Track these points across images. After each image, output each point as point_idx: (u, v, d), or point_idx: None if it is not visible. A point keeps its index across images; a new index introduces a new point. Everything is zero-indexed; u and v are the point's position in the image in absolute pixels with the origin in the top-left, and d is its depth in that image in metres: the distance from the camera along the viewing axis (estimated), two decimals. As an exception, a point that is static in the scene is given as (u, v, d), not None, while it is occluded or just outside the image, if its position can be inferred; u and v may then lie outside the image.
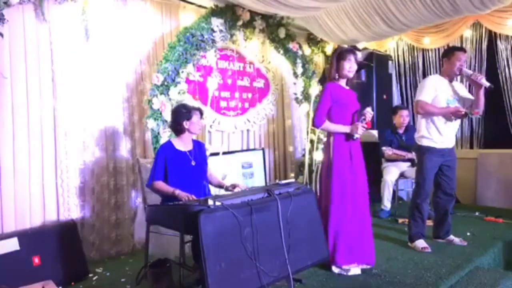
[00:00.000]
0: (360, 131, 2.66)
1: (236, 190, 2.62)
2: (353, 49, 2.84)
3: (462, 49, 3.21)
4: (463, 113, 3.05)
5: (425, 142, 3.14)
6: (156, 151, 2.79)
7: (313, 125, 2.80)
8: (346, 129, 2.69)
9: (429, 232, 3.34)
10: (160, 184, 2.56)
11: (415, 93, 3.28)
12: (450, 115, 3.06)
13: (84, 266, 2.93)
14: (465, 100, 3.18)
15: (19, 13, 2.90)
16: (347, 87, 2.80)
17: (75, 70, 3.19)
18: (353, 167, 2.69)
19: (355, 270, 2.66)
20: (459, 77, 3.54)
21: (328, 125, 2.72)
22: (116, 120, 3.45)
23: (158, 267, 2.43)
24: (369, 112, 2.71)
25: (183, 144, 2.71)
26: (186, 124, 2.68)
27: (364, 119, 2.67)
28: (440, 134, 3.11)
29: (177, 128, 2.73)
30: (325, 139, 4.45)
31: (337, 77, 2.76)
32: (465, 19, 4.80)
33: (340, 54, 2.74)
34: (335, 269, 2.69)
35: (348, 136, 2.70)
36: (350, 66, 2.72)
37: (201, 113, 2.79)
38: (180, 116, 2.70)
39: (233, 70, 4.39)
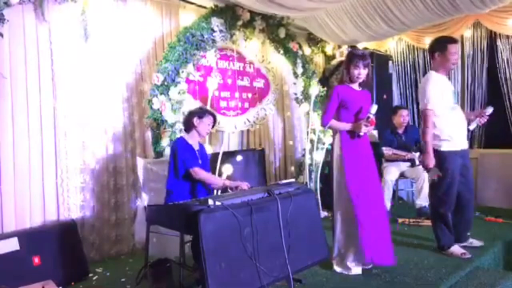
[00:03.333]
0: (363, 129, 2.65)
1: (244, 187, 2.65)
2: (364, 54, 2.76)
3: (454, 41, 2.92)
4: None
5: (444, 146, 2.88)
6: (172, 145, 2.80)
7: (321, 125, 2.84)
8: (348, 126, 2.70)
9: (428, 234, 3.34)
10: (202, 172, 2.62)
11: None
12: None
13: (84, 266, 2.93)
14: None
15: (19, 13, 2.90)
16: (359, 89, 2.79)
17: (75, 70, 3.19)
18: (359, 164, 2.68)
19: (356, 270, 2.66)
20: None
21: (333, 123, 2.74)
22: (116, 120, 3.45)
23: (158, 267, 2.43)
24: (371, 110, 2.68)
25: (193, 142, 2.77)
26: (196, 121, 2.74)
27: (368, 118, 2.66)
28: (456, 134, 2.89)
29: (187, 123, 2.80)
30: (325, 139, 4.50)
31: (348, 80, 2.76)
32: (466, 19, 4.80)
33: (350, 58, 2.74)
34: (336, 268, 2.69)
35: (353, 134, 2.70)
36: (359, 73, 2.70)
37: (214, 121, 2.85)
38: (194, 113, 2.80)
39: (233, 70, 4.39)
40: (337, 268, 2.69)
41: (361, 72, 2.71)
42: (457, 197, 2.98)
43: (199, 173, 2.59)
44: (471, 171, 3.08)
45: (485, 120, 3.05)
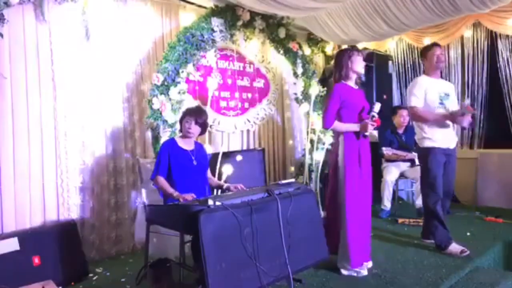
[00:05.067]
0: (370, 129, 2.64)
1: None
2: (359, 48, 2.85)
3: (435, 44, 3.25)
4: (459, 115, 2.98)
5: (427, 143, 3.07)
6: (159, 147, 2.81)
7: (323, 127, 2.79)
8: (355, 127, 2.67)
9: (416, 233, 3.34)
10: (162, 182, 2.58)
11: None
12: (447, 121, 3.05)
13: (84, 266, 2.93)
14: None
15: (19, 13, 2.90)
16: (356, 87, 2.79)
17: (75, 70, 3.19)
18: (361, 166, 2.67)
19: (364, 272, 2.65)
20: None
21: (338, 125, 2.70)
22: (116, 120, 3.45)
23: (158, 267, 2.43)
24: (375, 109, 2.66)
25: (185, 143, 2.75)
26: (181, 122, 2.79)
27: (373, 117, 2.65)
28: (439, 133, 3.06)
29: (179, 125, 2.84)
30: (325, 139, 4.50)
31: (350, 75, 2.74)
32: (466, 19, 4.80)
33: (351, 52, 2.74)
34: (344, 272, 2.66)
35: (358, 134, 2.68)
36: (363, 63, 2.74)
37: (196, 120, 2.72)
38: (182, 115, 2.81)
39: (233, 70, 4.39)
40: (345, 272, 2.66)
41: (363, 62, 2.74)
42: None
43: (159, 182, 2.58)
44: (455, 174, 3.19)
45: (470, 113, 3.03)
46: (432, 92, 3.08)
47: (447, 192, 3.17)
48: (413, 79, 5.51)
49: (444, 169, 3.10)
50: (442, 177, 3.07)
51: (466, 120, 2.98)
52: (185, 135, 2.76)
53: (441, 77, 3.30)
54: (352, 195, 2.62)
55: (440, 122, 3.05)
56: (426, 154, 3.08)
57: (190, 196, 2.39)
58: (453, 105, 3.14)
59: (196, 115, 2.75)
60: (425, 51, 3.21)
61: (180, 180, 2.61)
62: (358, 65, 2.72)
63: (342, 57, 2.76)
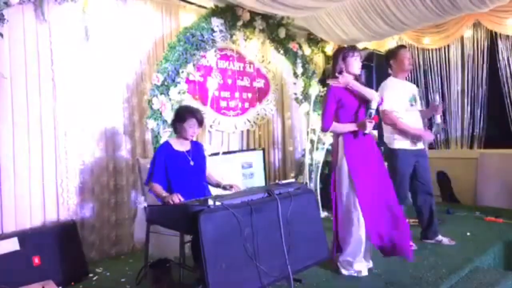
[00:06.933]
0: (369, 127, 2.60)
1: (233, 190, 2.62)
2: (357, 47, 2.81)
3: (403, 46, 3.38)
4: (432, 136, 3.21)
5: (396, 144, 3.13)
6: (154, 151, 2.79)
7: (322, 129, 2.77)
8: (353, 127, 2.65)
9: (416, 233, 3.34)
10: (156, 188, 2.52)
11: None
12: (418, 136, 3.13)
13: (84, 266, 2.93)
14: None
15: (19, 13, 2.90)
16: None
17: (75, 70, 3.19)
18: (368, 164, 2.64)
19: (364, 272, 2.63)
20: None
21: (336, 126, 2.68)
22: (116, 120, 3.45)
23: (158, 267, 2.43)
24: (372, 106, 2.63)
25: (180, 144, 2.70)
26: (178, 125, 2.70)
27: (371, 114, 2.63)
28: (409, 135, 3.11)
29: (173, 126, 2.77)
30: (325, 139, 4.50)
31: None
32: (466, 19, 4.80)
33: (346, 53, 2.70)
34: (344, 272, 2.64)
35: (357, 133, 2.66)
36: (359, 64, 2.70)
37: (199, 121, 2.70)
38: (176, 116, 2.74)
39: (233, 70, 4.39)
40: (345, 272, 2.64)
41: (359, 64, 2.71)
42: (421, 197, 3.22)
43: (154, 188, 2.53)
44: (429, 172, 3.27)
45: (440, 110, 3.18)
46: (403, 95, 3.14)
47: (427, 191, 3.23)
48: (413, 79, 5.60)
49: (417, 170, 3.17)
50: (409, 178, 3.16)
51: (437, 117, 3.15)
52: (186, 138, 2.71)
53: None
54: (363, 192, 2.56)
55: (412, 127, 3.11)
56: (395, 155, 3.15)
57: (176, 197, 2.31)
58: (418, 106, 3.28)
59: (197, 117, 2.69)
60: (395, 52, 3.21)
61: (178, 182, 2.58)
62: (353, 66, 2.69)
63: (337, 57, 2.75)
